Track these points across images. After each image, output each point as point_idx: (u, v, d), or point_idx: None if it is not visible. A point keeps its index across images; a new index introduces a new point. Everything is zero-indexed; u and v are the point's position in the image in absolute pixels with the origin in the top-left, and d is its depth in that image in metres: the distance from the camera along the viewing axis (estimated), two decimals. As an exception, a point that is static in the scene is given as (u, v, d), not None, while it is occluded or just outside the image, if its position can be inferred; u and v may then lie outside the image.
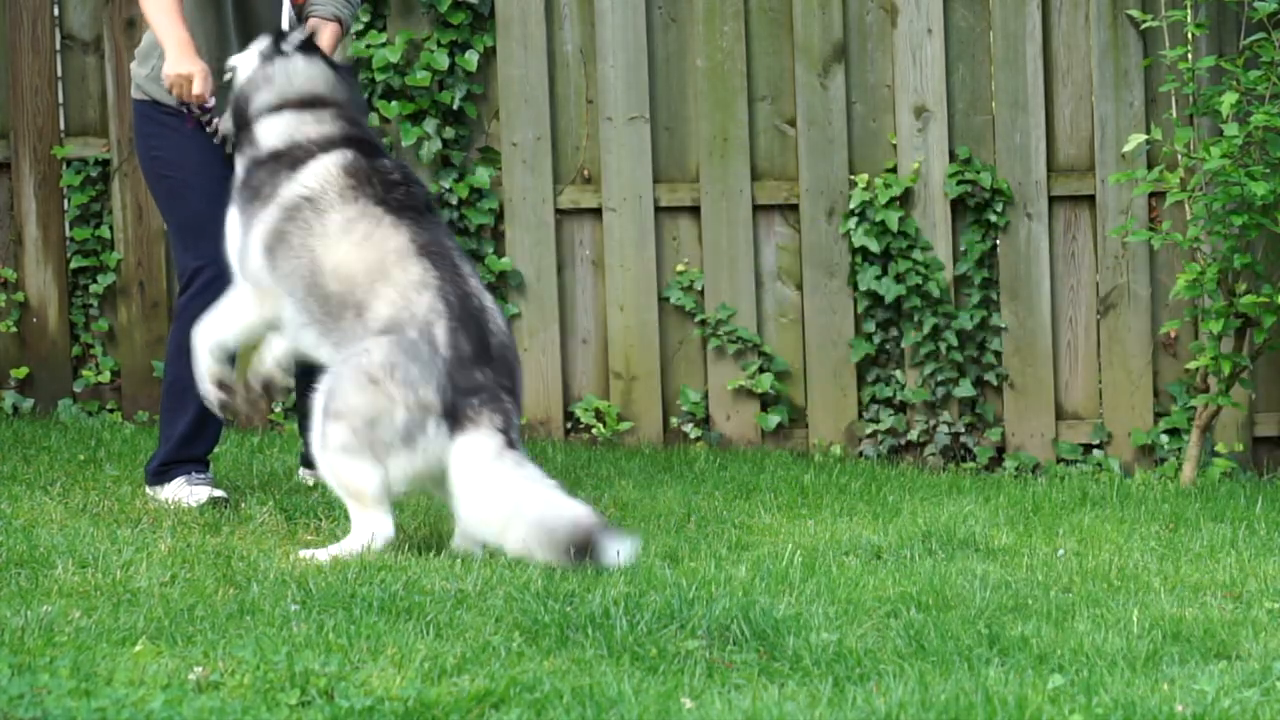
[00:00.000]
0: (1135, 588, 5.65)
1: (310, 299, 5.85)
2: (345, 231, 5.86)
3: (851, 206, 8.11)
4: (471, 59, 8.22)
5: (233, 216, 6.06)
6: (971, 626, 5.05)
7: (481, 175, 8.25)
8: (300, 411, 6.65)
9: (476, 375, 5.68)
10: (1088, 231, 8.11)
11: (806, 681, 4.61)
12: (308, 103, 6.10)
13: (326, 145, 6.02)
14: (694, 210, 8.22)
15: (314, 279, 5.84)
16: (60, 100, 8.38)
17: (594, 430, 8.19)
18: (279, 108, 6.09)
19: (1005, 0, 8.05)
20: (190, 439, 6.51)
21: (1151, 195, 8.01)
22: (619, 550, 5.47)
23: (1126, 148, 7.70)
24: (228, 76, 6.28)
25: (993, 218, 8.05)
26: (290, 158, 6.02)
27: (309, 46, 6.18)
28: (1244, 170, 7.45)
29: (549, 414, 8.25)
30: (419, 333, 5.68)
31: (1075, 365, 8.14)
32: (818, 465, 7.81)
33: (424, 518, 6.37)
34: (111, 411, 8.36)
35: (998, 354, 8.12)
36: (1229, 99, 7.43)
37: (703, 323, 8.21)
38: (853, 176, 8.13)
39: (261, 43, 6.19)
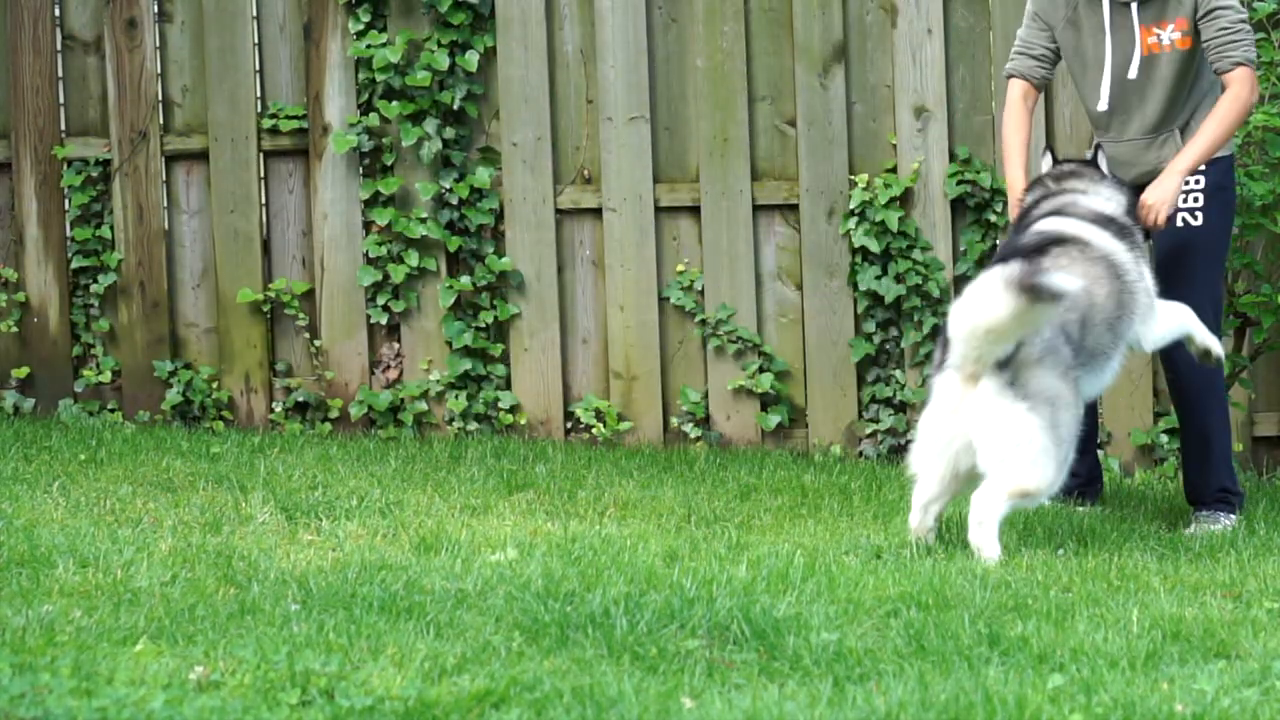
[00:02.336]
0: (1135, 587, 5.66)
1: None
2: None
3: (851, 206, 8.12)
4: (472, 59, 8.23)
5: None
6: (971, 626, 5.05)
7: (482, 175, 8.25)
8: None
9: None
10: (1087, 231, 8.10)
11: (807, 681, 4.61)
12: None
13: None
14: (694, 210, 8.22)
15: None
16: (61, 100, 8.39)
17: (594, 430, 8.20)
18: None
19: (1005, 0, 8.05)
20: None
21: (1151, 195, 8.01)
22: None
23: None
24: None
25: (993, 218, 8.05)
26: None
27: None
28: (1243, 170, 7.45)
29: (549, 414, 8.25)
30: None
31: (1075, 365, 8.13)
32: (818, 465, 7.81)
33: (423, 517, 6.38)
34: (112, 411, 8.37)
35: (998, 354, 8.12)
36: (1229, 99, 7.43)
37: (703, 323, 8.21)
38: (853, 176, 8.13)
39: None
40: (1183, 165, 6.54)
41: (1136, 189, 6.62)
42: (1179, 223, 6.65)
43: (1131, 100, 6.68)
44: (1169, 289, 6.56)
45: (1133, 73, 6.64)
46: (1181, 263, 6.67)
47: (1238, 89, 6.55)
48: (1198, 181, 6.64)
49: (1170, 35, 6.62)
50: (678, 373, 8.26)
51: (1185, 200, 6.65)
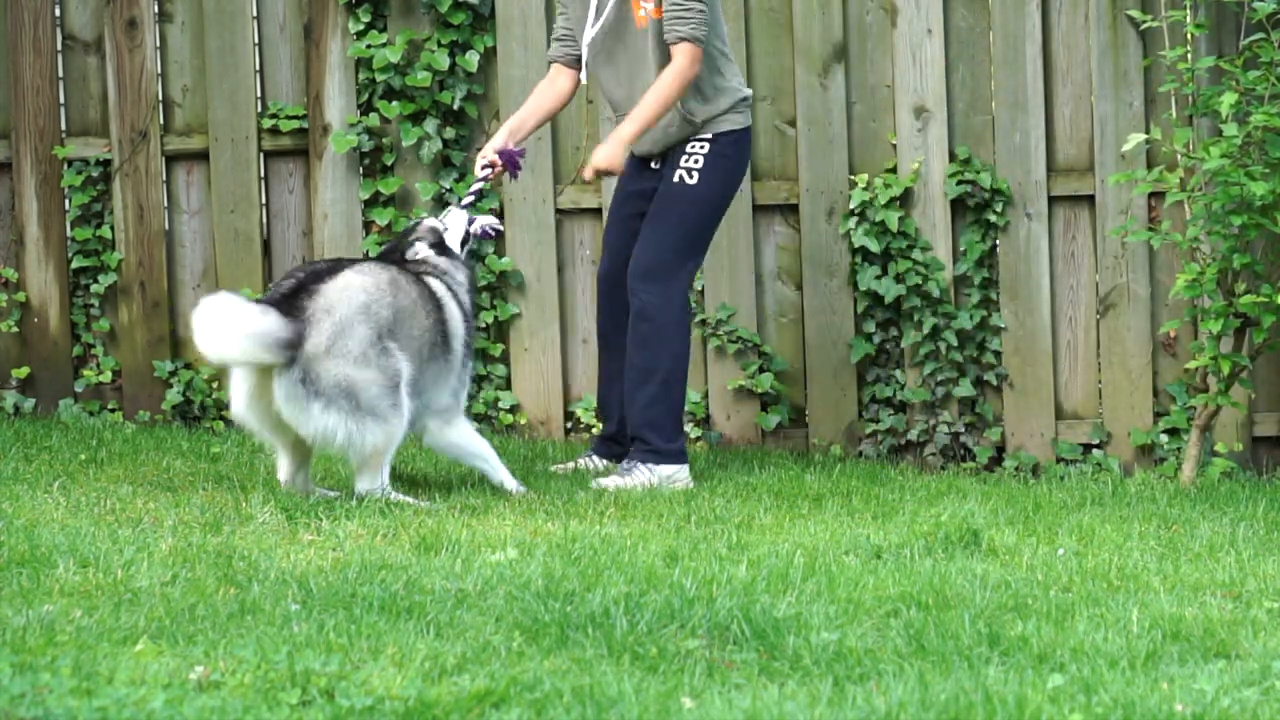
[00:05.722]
0: (1135, 587, 5.66)
1: None
2: None
3: (851, 206, 8.12)
4: (472, 59, 8.23)
5: None
6: (971, 626, 5.06)
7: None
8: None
9: None
10: (1087, 231, 8.12)
11: (807, 681, 4.62)
12: None
13: None
14: (694, 210, 8.21)
15: None
16: (61, 100, 8.39)
17: (594, 430, 8.19)
18: None
19: (1005, 0, 8.06)
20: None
21: (1151, 195, 8.02)
22: None
23: (1125, 148, 7.71)
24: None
25: (992, 218, 8.06)
26: None
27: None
28: (1243, 170, 7.46)
29: (549, 413, 8.25)
30: None
31: (1075, 365, 8.14)
32: (818, 465, 7.81)
33: (423, 517, 6.38)
34: (113, 411, 8.36)
35: (997, 354, 8.13)
36: (1228, 99, 7.44)
37: (703, 323, 8.21)
38: (853, 176, 8.13)
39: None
40: (624, 134, 7.13)
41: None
42: (676, 178, 7.24)
43: (635, 72, 7.24)
44: (651, 226, 7.22)
45: (628, 45, 7.19)
46: (668, 209, 7.25)
47: (679, 61, 7.09)
48: (703, 147, 7.22)
49: (647, 6, 7.17)
50: (678, 373, 8.25)
51: (688, 160, 7.22)
